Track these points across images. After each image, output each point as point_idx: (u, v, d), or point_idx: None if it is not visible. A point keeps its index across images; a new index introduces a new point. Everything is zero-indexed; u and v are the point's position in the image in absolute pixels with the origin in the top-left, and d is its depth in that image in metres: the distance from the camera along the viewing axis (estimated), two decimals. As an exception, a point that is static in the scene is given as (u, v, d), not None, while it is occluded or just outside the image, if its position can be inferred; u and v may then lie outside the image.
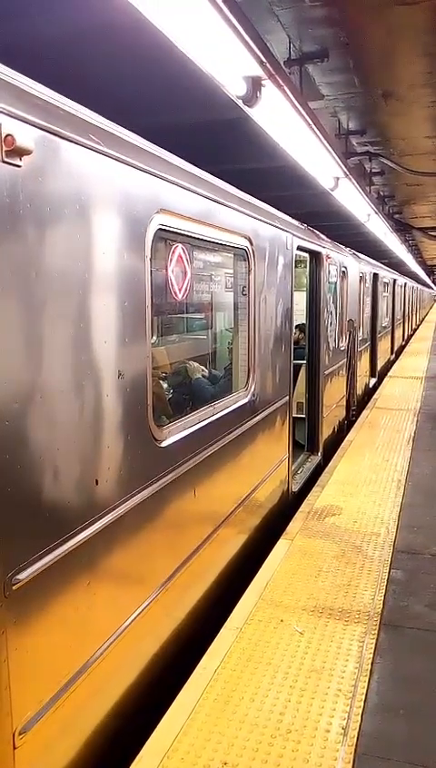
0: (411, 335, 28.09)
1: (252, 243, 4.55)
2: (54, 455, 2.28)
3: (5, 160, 1.96)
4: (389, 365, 16.50)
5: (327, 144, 5.01)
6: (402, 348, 21.79)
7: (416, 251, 25.51)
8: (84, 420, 2.46)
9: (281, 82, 3.50)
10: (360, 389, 11.12)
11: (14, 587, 2.05)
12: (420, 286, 39.07)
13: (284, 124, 4.27)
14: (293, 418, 6.15)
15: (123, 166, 2.72)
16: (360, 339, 10.86)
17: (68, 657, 2.41)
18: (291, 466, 6.02)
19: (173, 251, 3.62)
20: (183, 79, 4.08)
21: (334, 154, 5.40)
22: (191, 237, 3.62)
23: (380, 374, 14.43)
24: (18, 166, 2.02)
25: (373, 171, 9.39)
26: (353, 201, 7.76)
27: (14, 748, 2.09)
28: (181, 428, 3.43)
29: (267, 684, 3.04)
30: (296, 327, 6.84)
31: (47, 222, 2.21)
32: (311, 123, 4.36)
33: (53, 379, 2.26)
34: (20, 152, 2.00)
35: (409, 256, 20.11)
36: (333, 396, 8.41)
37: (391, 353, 18.43)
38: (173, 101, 5.16)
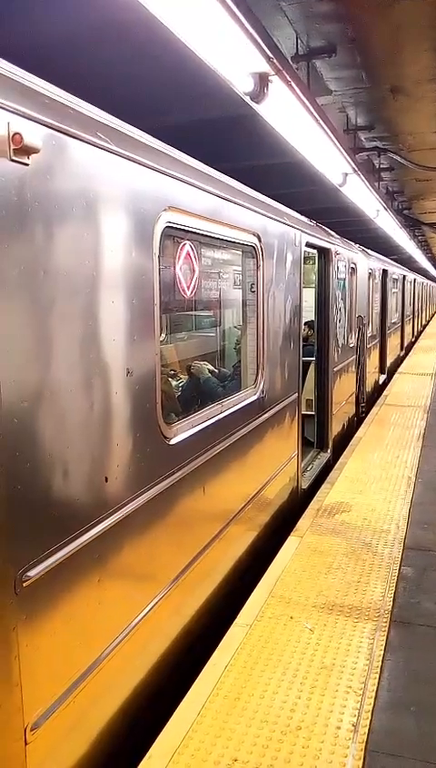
0: (421, 331, 27.96)
1: (260, 240, 4.55)
2: (63, 453, 2.29)
3: (13, 158, 1.97)
4: (398, 361, 16.43)
5: (335, 140, 4.98)
6: (412, 344, 21.70)
7: (426, 247, 25.35)
8: (92, 418, 2.47)
9: (288, 77, 3.49)
10: (369, 386, 11.08)
11: (24, 584, 2.06)
12: (429, 282, 38.88)
13: (292, 120, 4.25)
14: (303, 414, 6.15)
15: (131, 164, 2.72)
16: (369, 335, 10.82)
17: (79, 654, 2.42)
18: (300, 463, 6.02)
19: (182, 249, 3.62)
20: (189, 76, 4.07)
21: (342, 150, 5.37)
22: (199, 234, 3.62)
23: (389, 371, 14.37)
24: (26, 164, 2.03)
25: (382, 166, 9.34)
26: (362, 196, 7.72)
27: (26, 743, 2.11)
28: (190, 426, 3.43)
29: (277, 681, 3.04)
30: (305, 324, 6.83)
31: (55, 221, 2.21)
32: (318, 118, 4.34)
33: (61, 377, 2.27)
34: (28, 151, 2.01)
35: (418, 252, 19.99)
36: (343, 393, 8.39)
37: (401, 349, 18.35)
38: (179, 98, 5.15)
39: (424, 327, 30.79)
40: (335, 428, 7.77)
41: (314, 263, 7.20)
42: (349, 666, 3.16)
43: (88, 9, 3.64)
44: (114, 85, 4.63)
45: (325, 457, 7.27)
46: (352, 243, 9.39)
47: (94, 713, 2.56)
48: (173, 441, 3.17)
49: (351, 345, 8.97)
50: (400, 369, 14.54)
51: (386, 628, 3.50)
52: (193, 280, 3.83)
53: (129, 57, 4.36)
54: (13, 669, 2.04)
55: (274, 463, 5.18)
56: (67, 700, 2.33)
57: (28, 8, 3.67)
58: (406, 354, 18.40)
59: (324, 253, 7.09)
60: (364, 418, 9.31)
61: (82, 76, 3.95)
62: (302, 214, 6.19)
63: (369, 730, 2.72)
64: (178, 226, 3.24)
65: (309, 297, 6.89)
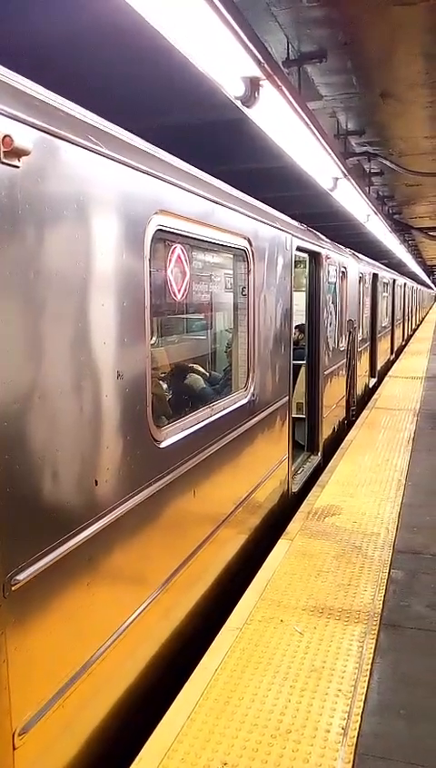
0: (411, 335, 28.08)
1: (251, 244, 4.56)
2: (53, 455, 2.28)
3: (4, 161, 1.97)
4: (389, 365, 16.49)
5: (326, 145, 5.01)
6: (402, 348, 21.79)
7: (415, 252, 25.50)
8: (83, 421, 2.46)
9: (279, 82, 3.50)
10: (359, 389, 11.12)
11: (13, 588, 2.05)
12: (419, 286, 39.07)
13: (283, 125, 4.27)
14: (293, 418, 6.15)
15: (122, 167, 2.72)
16: (359, 339, 10.86)
17: (68, 658, 2.41)
18: (290, 466, 6.02)
19: (172, 252, 3.62)
20: (181, 80, 4.08)
21: (333, 155, 5.39)
22: (190, 238, 3.62)
23: (379, 374, 14.43)
24: (16, 167, 2.02)
25: (372, 171, 9.38)
26: (353, 201, 7.76)
27: (14, 748, 2.09)
28: (180, 429, 3.43)
29: (267, 685, 3.04)
30: (296, 327, 6.84)
31: (46, 223, 2.21)
32: (309, 123, 4.36)
33: (52, 379, 2.26)
34: (18, 153, 2.01)
35: (408, 256, 20.11)
36: (333, 396, 8.41)
37: (391, 353, 18.42)
38: (171, 101, 5.17)
39: (414, 331, 30.92)
40: (326, 431, 7.79)
41: (305, 267, 7.22)
42: (339, 669, 3.16)
43: (84, 12, 3.65)
44: (107, 87, 4.64)
45: (316, 460, 7.28)
46: (343, 247, 9.42)
47: (83, 717, 2.55)
48: (163, 444, 3.17)
49: (342, 348, 8.99)
50: (390, 373, 14.60)
51: (376, 631, 3.51)
52: (184, 283, 3.84)
53: (122, 60, 4.37)
54: (1, 673, 2.02)
55: (265, 466, 5.18)
56: (57, 704, 2.31)
57: (27, 9, 3.67)
58: (396, 358, 18.48)
59: (315, 257, 7.12)
60: (355, 421, 9.34)
61: (76, 78, 3.96)
62: (292, 218, 6.21)
63: (358, 733, 2.72)
64: (169, 229, 3.24)
65: (300, 300, 6.91)
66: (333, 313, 8.18)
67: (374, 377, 13.92)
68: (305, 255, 6.88)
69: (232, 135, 5.75)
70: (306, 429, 7.40)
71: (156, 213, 3.02)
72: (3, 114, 1.97)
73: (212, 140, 6.16)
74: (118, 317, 2.71)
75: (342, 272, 8.79)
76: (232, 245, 4.35)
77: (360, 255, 11.50)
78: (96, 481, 2.56)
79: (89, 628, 2.55)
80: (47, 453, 2.25)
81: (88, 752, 2.56)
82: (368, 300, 12.71)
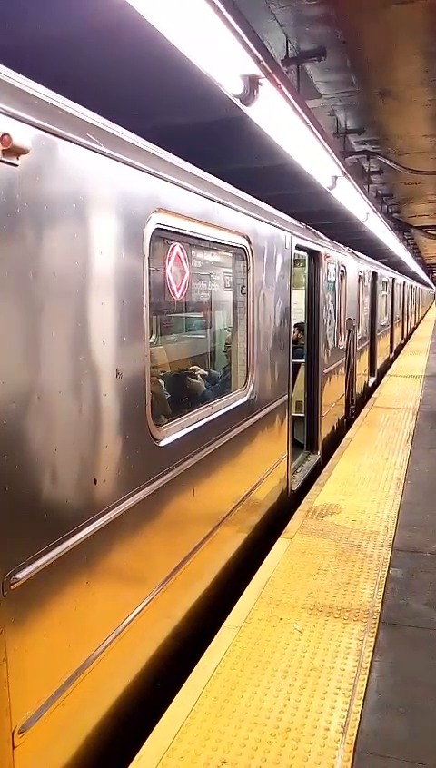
0: (411, 334, 28.09)
1: (250, 242, 4.56)
2: (52, 455, 2.28)
3: (2, 159, 1.97)
4: (388, 363, 16.50)
5: (325, 143, 5.00)
6: (402, 346, 21.80)
7: (415, 250, 25.49)
8: (82, 420, 2.46)
9: (278, 80, 3.50)
10: (359, 388, 11.12)
11: (12, 587, 2.05)
12: (419, 285, 39.07)
13: (282, 123, 4.27)
14: (292, 416, 6.15)
15: (121, 165, 2.72)
16: (359, 337, 10.86)
17: (67, 656, 2.41)
18: (290, 464, 6.03)
19: (172, 251, 3.62)
20: (180, 78, 4.07)
21: (332, 153, 5.39)
22: (189, 236, 3.62)
23: (379, 373, 14.43)
24: (15, 165, 2.02)
25: (372, 169, 9.38)
26: (352, 199, 7.75)
27: (14, 747, 2.09)
28: (179, 428, 3.43)
29: (266, 683, 3.04)
30: (295, 326, 6.84)
31: (44, 222, 2.21)
32: (308, 121, 4.35)
33: (50, 378, 2.26)
34: (17, 152, 2.01)
35: (408, 255, 20.08)
36: (333, 394, 8.41)
37: (391, 352, 18.42)
38: (170, 100, 5.15)
39: (413, 329, 30.93)
40: (325, 429, 7.79)
41: (304, 265, 7.22)
42: (338, 668, 3.17)
43: (83, 11, 3.64)
44: (106, 86, 4.62)
45: (315, 458, 7.29)
46: (342, 246, 9.42)
47: (83, 716, 2.55)
48: (162, 443, 3.17)
49: (341, 347, 8.99)
50: (389, 372, 14.60)
51: (375, 629, 3.51)
52: (183, 281, 3.83)
53: (121, 59, 4.36)
54: (0, 672, 2.02)
55: (264, 465, 5.18)
56: (56, 703, 2.32)
57: (26, 7, 3.67)
58: (396, 356, 18.48)
59: (314, 256, 7.11)
60: (354, 419, 9.34)
61: (75, 77, 3.94)
62: (292, 217, 6.21)
63: (357, 731, 2.72)
64: (168, 227, 3.24)
65: (299, 299, 6.91)
66: (333, 312, 8.18)
67: (374, 375, 13.93)
68: (304, 254, 6.88)
69: (232, 134, 5.74)
70: (305, 428, 7.40)
71: (155, 212, 3.02)
72: (1, 113, 1.97)
73: (211, 138, 6.15)
74: (117, 315, 2.70)
75: (342, 271, 8.79)
76: (232, 244, 4.35)
77: (359, 254, 11.50)
78: (95, 480, 2.56)
79: (88, 627, 2.55)
80: (46, 452, 2.25)
81: (88, 750, 2.56)
82: (367, 299, 12.71)
